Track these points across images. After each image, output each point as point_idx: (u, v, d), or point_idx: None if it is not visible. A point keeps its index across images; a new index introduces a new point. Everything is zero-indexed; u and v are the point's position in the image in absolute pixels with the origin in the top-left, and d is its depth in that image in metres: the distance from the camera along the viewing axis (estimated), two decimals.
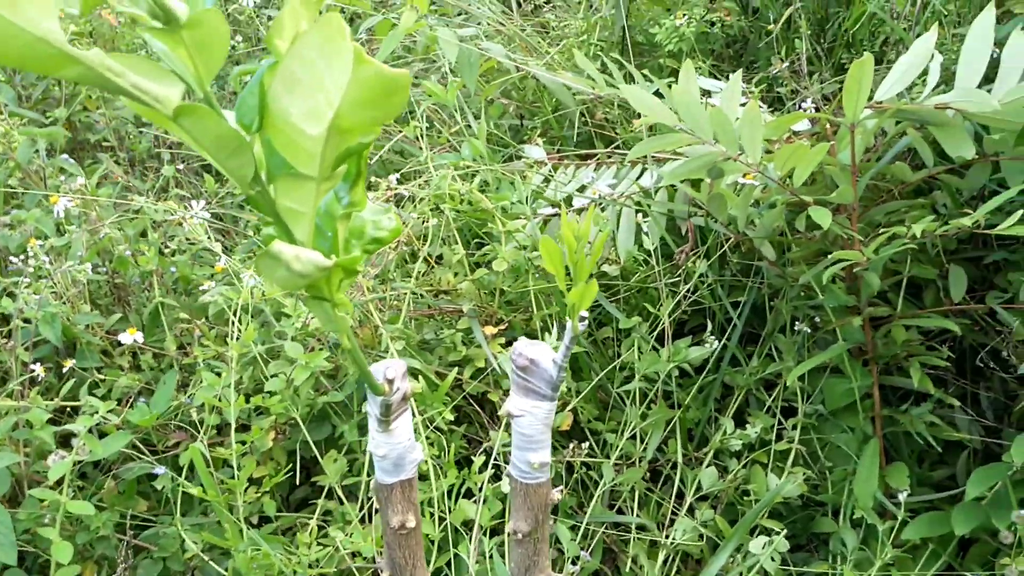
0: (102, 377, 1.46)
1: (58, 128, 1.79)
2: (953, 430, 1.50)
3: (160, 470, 1.32)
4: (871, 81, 1.30)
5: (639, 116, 2.02)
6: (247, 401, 1.34)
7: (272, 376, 1.35)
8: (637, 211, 1.62)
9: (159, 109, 0.47)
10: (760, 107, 1.40)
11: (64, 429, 1.25)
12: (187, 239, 1.66)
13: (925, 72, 1.45)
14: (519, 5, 2.63)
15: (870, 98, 1.35)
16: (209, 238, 1.55)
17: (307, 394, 1.39)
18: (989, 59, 1.36)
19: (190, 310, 1.61)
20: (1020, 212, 1.24)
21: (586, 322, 0.68)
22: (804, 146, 1.27)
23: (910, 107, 1.35)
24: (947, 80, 1.48)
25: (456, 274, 1.50)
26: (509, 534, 0.77)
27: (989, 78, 1.37)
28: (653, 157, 1.70)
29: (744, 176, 1.42)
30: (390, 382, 0.63)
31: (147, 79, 0.46)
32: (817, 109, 1.78)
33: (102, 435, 1.33)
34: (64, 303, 1.51)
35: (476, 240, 1.64)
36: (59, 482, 1.22)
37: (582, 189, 1.73)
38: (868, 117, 1.37)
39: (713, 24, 2.19)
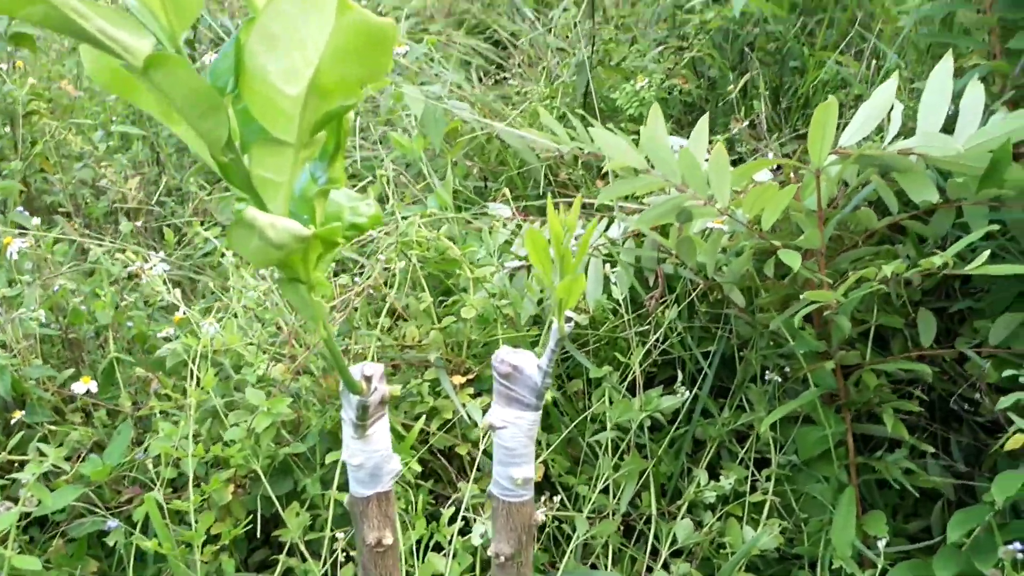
0: (53, 429, 1.40)
1: (13, 183, 1.75)
2: (936, 470, 1.49)
3: (113, 523, 1.25)
4: (835, 125, 1.32)
5: (603, 176, 2.03)
6: (206, 452, 1.28)
7: (232, 426, 1.30)
8: (605, 262, 1.61)
9: (128, 59, 0.44)
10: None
11: (12, 477, 1.19)
12: (144, 298, 1.62)
13: (881, 128, 1.48)
14: (480, 80, 2.67)
15: (834, 145, 1.37)
16: (168, 291, 1.50)
17: (268, 446, 1.33)
18: (946, 112, 1.39)
19: (146, 366, 1.55)
20: (987, 252, 1.25)
21: (572, 323, 0.66)
22: (773, 186, 1.28)
23: (874, 152, 1.37)
24: (906, 133, 1.51)
25: (421, 326, 1.47)
26: (491, 558, 0.73)
27: (947, 130, 1.39)
28: (620, 208, 1.71)
29: (713, 220, 1.42)
30: (368, 380, 0.59)
31: (115, 27, 0.44)
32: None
33: (52, 490, 1.26)
34: (14, 356, 1.45)
35: (443, 291, 1.62)
36: (3, 537, 1.15)
37: None
38: (832, 163, 1.39)
39: (671, 91, 2.23)
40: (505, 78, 2.47)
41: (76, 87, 2.88)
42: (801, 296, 1.32)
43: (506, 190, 1.90)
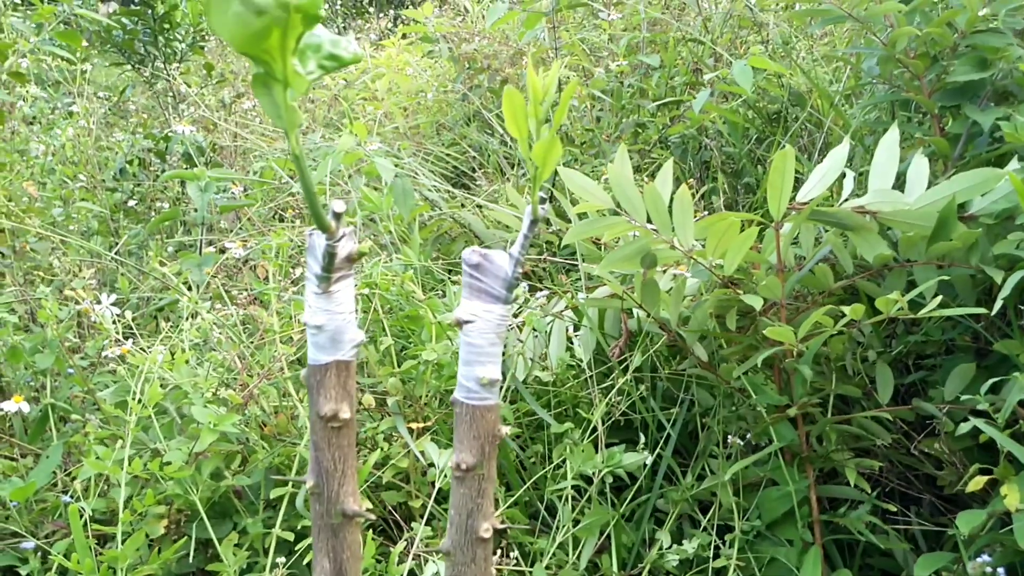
0: None
1: None
2: (888, 539, 1.45)
3: (29, 544, 1.16)
4: (793, 176, 1.38)
5: (568, 272, 2.06)
6: (143, 468, 1.21)
7: (173, 449, 1.24)
8: (568, 325, 1.61)
9: None
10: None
11: None
12: (92, 346, 1.57)
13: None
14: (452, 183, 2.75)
15: (792, 198, 1.42)
16: (117, 330, 1.46)
17: (208, 481, 1.27)
18: (895, 174, 1.46)
19: (84, 413, 1.49)
20: (938, 297, 1.28)
21: (546, 206, 0.66)
22: (735, 225, 1.31)
23: (828, 209, 1.42)
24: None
25: (383, 363, 1.44)
26: (451, 469, 0.69)
27: None
28: (585, 286, 1.73)
29: (677, 265, 1.44)
30: (337, 217, 0.58)
31: None
32: None
33: None
34: None
35: (404, 341, 1.60)
36: None
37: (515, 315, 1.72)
38: (790, 218, 1.43)
39: None
40: (475, 182, 2.54)
41: (39, 190, 2.90)
42: (765, 335, 1.32)
43: None
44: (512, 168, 2.56)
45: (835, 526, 1.48)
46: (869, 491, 1.40)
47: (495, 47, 3.39)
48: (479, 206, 2.03)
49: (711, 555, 1.46)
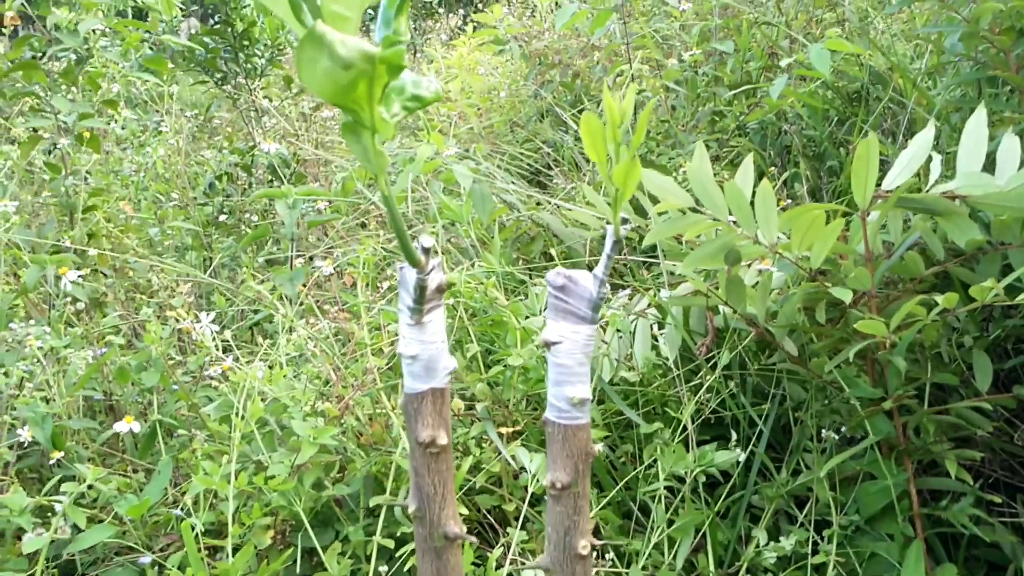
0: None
1: (67, 255, 1.81)
2: (994, 531, 1.41)
3: (145, 559, 1.22)
4: (878, 164, 1.34)
5: (649, 267, 2.05)
6: (248, 483, 1.26)
7: (276, 463, 1.28)
8: (652, 323, 1.61)
9: None
10: None
11: (44, 500, 1.17)
12: (194, 362, 1.63)
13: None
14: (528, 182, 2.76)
15: (878, 185, 1.39)
16: (217, 347, 1.51)
17: (309, 491, 1.31)
18: (983, 157, 1.41)
19: (190, 428, 1.55)
20: None
21: (628, 225, 0.66)
22: (820, 218, 1.29)
23: (915, 195, 1.38)
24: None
25: (470, 368, 1.46)
26: (546, 489, 0.70)
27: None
28: (668, 283, 1.72)
29: (761, 261, 1.42)
30: (426, 252, 0.60)
31: None
32: None
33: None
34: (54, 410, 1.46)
35: (489, 346, 1.62)
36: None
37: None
38: (876, 207, 1.40)
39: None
40: (551, 179, 2.55)
41: (134, 208, 3.01)
42: (856, 327, 1.30)
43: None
44: (588, 163, 2.55)
45: (936, 519, 1.44)
46: (971, 482, 1.37)
47: (564, 42, 3.39)
48: (558, 206, 2.03)
49: (809, 551, 1.45)
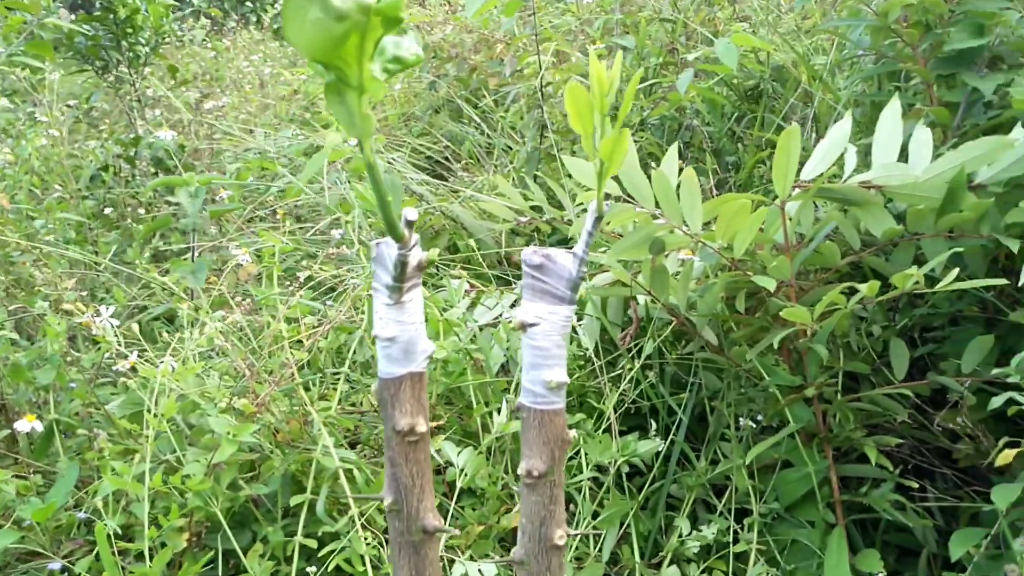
0: None
1: None
2: (915, 516, 1.45)
3: (55, 564, 1.12)
4: (798, 154, 1.36)
5: None
6: (164, 484, 1.17)
7: (192, 462, 1.20)
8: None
9: None
10: None
11: None
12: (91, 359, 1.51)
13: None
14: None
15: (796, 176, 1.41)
16: (119, 342, 1.41)
17: (226, 493, 1.23)
18: (898, 148, 1.45)
19: (90, 427, 1.44)
20: (955, 270, 1.27)
21: (609, 202, 0.63)
22: (745, 207, 1.29)
23: (834, 186, 1.41)
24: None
25: None
26: (521, 477, 0.67)
27: None
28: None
29: (685, 252, 1.42)
30: (410, 224, 0.55)
31: None
32: None
33: None
34: None
35: None
36: None
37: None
38: (796, 197, 1.42)
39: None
40: (452, 173, 2.50)
41: (11, 201, 2.81)
42: (779, 315, 1.31)
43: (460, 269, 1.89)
44: (490, 157, 2.52)
45: (852, 506, 1.48)
46: (891, 468, 1.40)
47: (460, 36, 3.35)
48: (470, 197, 2.00)
49: (731, 540, 1.45)
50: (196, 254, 1.73)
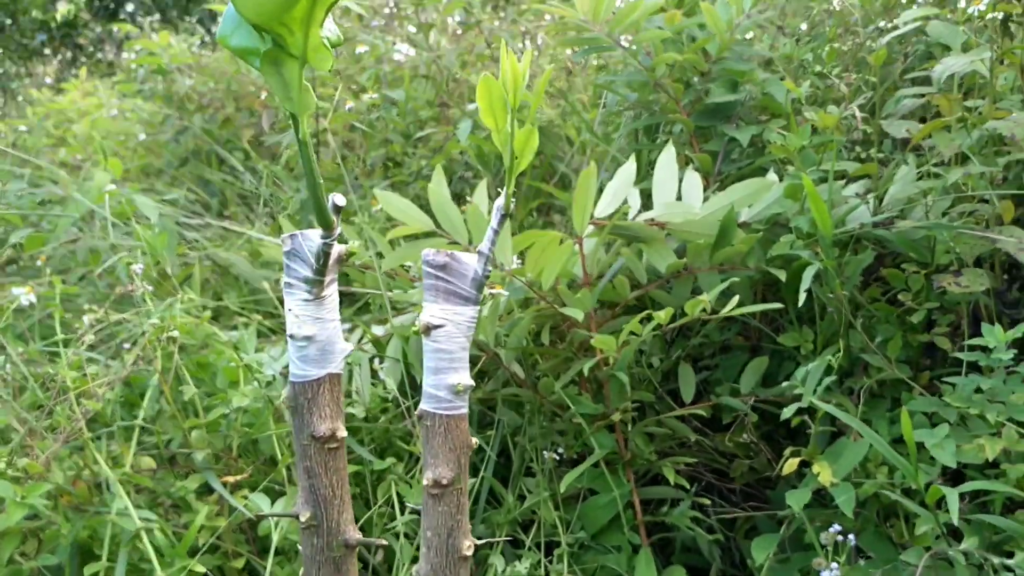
0: None
1: None
2: (703, 533, 1.54)
3: None
4: (595, 193, 1.44)
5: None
6: None
7: None
8: (373, 357, 1.56)
9: None
10: None
11: None
12: None
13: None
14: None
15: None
16: None
17: (5, 568, 1.07)
18: (676, 189, 1.57)
19: None
20: (736, 298, 1.39)
21: (516, 202, 0.63)
22: (555, 239, 1.34)
23: (625, 223, 1.50)
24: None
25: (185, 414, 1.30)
26: (427, 487, 0.64)
27: None
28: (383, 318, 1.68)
29: (494, 287, 1.44)
30: (338, 212, 0.52)
31: None
32: None
33: None
34: None
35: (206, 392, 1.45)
36: None
37: None
38: (591, 234, 1.49)
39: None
40: (207, 224, 2.38)
41: None
42: (582, 346, 1.36)
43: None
44: (262, 204, 2.43)
45: (650, 527, 1.54)
46: (688, 487, 1.48)
47: (210, 84, 3.23)
48: (253, 240, 1.91)
49: (543, 572, 1.47)
50: None
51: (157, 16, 4.71)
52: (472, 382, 0.65)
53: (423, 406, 0.65)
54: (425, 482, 0.64)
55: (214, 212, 2.68)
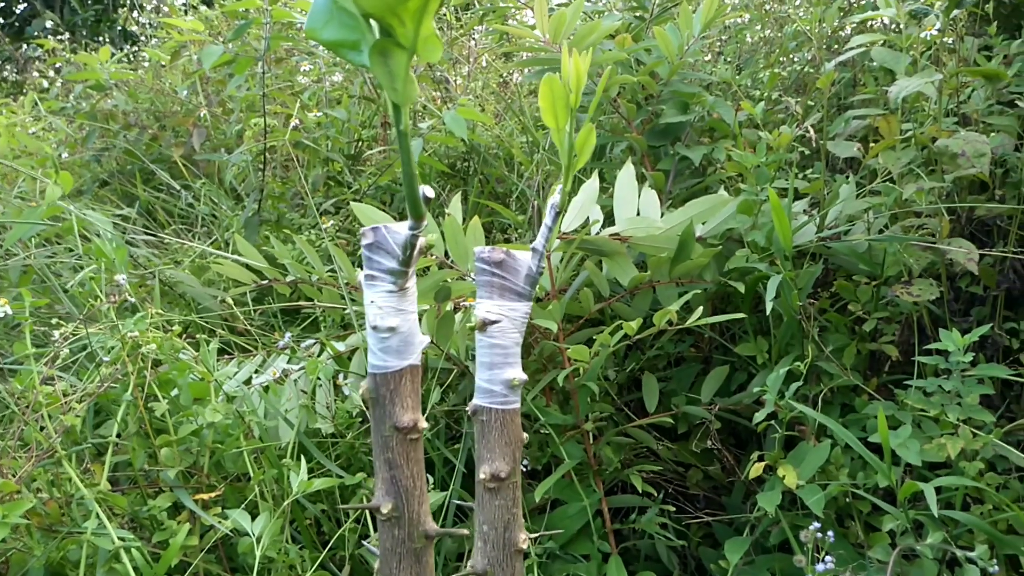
0: None
1: None
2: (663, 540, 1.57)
3: None
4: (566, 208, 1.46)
5: (297, 321, 1.97)
6: None
7: None
8: (337, 372, 1.54)
9: None
10: None
11: None
12: None
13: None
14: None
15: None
16: None
17: None
18: (636, 206, 1.61)
19: None
20: (700, 308, 1.43)
21: (561, 208, 0.65)
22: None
23: (591, 237, 1.53)
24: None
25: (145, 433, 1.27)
26: (483, 482, 0.65)
27: None
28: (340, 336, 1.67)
29: (467, 300, 1.45)
30: (428, 203, 0.53)
31: None
32: None
33: None
34: None
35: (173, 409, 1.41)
36: None
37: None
38: (558, 248, 1.52)
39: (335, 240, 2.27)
40: (162, 240, 2.32)
41: None
42: (551, 357, 1.38)
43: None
44: (200, 223, 2.39)
45: (618, 535, 1.56)
46: (655, 493, 1.51)
47: (132, 104, 3.15)
48: (207, 257, 1.87)
49: None
50: None
51: (67, 36, 4.57)
52: (525, 376, 0.66)
53: (477, 401, 0.66)
54: (482, 476, 0.65)
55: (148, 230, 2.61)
